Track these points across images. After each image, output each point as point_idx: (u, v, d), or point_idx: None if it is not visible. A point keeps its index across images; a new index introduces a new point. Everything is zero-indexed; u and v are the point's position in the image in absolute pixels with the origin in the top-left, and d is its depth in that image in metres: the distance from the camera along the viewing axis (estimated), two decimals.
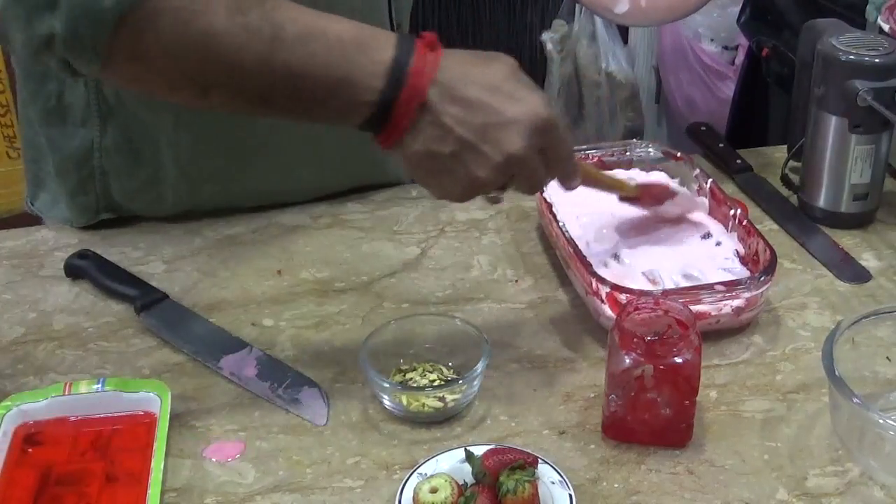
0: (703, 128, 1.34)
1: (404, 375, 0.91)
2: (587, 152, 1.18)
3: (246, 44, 0.77)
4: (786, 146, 1.25)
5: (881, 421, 0.78)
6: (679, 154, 1.17)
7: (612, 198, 1.13)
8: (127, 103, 1.08)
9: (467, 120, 0.79)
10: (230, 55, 0.78)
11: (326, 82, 0.79)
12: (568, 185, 0.91)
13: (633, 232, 1.08)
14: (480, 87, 0.80)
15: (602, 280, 0.94)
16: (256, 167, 1.15)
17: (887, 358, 0.91)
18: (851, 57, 1.08)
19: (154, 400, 0.86)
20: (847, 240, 1.13)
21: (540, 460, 0.80)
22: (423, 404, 0.87)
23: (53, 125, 1.11)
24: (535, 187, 0.86)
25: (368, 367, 0.88)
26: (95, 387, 0.87)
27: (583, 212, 1.10)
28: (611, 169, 1.17)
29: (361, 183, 1.22)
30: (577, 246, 0.99)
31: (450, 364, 0.92)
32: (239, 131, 1.11)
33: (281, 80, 0.79)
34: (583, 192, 1.12)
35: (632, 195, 1.07)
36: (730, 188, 1.22)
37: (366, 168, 1.20)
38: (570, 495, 0.78)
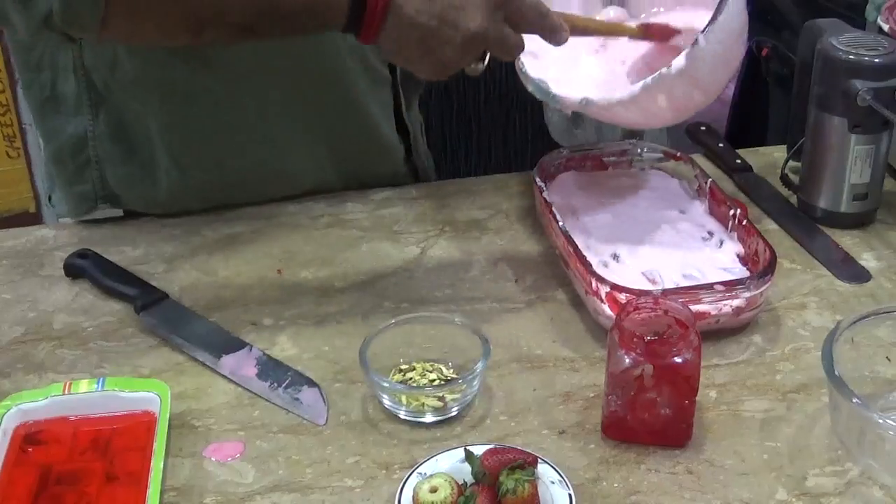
0: (703, 128, 1.34)
1: (404, 375, 0.91)
2: (587, 152, 1.18)
3: None
4: (785, 146, 1.25)
5: (881, 421, 0.79)
6: (679, 154, 1.17)
7: (611, 198, 1.13)
8: (115, 90, 1.10)
9: (426, 9, 0.88)
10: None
11: (304, 2, 0.88)
12: (552, 40, 0.96)
13: (633, 232, 1.08)
14: None
15: (602, 280, 0.94)
16: (247, 155, 1.15)
17: (887, 358, 0.91)
18: (851, 57, 1.08)
19: (154, 399, 0.86)
20: (847, 240, 1.13)
21: (539, 460, 0.80)
22: (423, 404, 0.87)
23: (48, 115, 1.13)
24: (511, 52, 0.95)
25: (368, 367, 0.88)
26: (95, 386, 0.87)
27: (583, 212, 1.10)
28: (607, 169, 1.18)
29: (357, 176, 1.22)
30: (577, 246, 0.99)
31: (450, 364, 0.92)
32: (226, 115, 1.12)
33: (266, 7, 0.88)
34: (582, 192, 1.13)
35: (636, 35, 1.09)
36: (729, 188, 1.22)
37: (359, 161, 1.20)
38: (570, 495, 0.78)
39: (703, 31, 0.95)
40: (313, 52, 1.09)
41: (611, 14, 1.14)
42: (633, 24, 1.11)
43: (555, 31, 0.95)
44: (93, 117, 1.12)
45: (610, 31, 1.10)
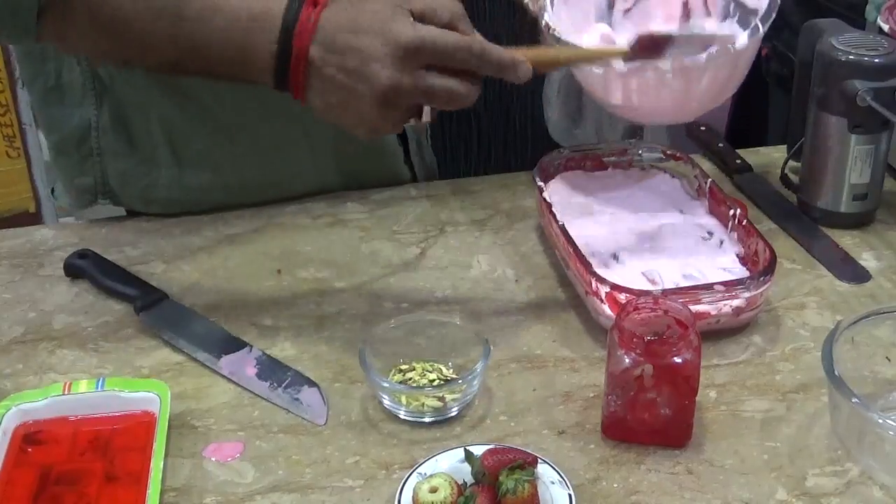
0: (703, 128, 1.34)
1: (404, 375, 0.91)
2: (587, 152, 1.18)
3: (152, 24, 0.86)
4: (785, 146, 1.25)
5: (881, 421, 0.78)
6: (679, 154, 1.17)
7: (611, 198, 1.13)
8: (119, 81, 1.10)
9: (343, 66, 0.84)
10: (138, 35, 0.87)
11: (229, 53, 0.86)
12: (509, 77, 0.88)
13: (633, 232, 1.08)
14: (350, 31, 0.84)
15: (602, 280, 0.94)
16: (247, 155, 1.15)
17: (887, 358, 0.91)
18: (851, 57, 1.08)
19: (154, 400, 0.86)
20: (847, 240, 1.13)
21: (539, 460, 0.80)
22: (423, 404, 0.87)
23: (52, 105, 1.13)
24: (454, 100, 0.86)
25: (368, 367, 0.88)
26: (95, 386, 0.87)
27: (583, 212, 1.10)
28: (607, 169, 1.17)
29: (356, 176, 1.22)
30: (576, 246, 0.99)
31: (450, 364, 0.92)
32: (227, 115, 1.12)
33: (188, 53, 0.87)
34: (582, 192, 1.13)
35: (625, 56, 0.97)
36: (729, 188, 1.22)
37: (359, 162, 1.20)
38: (570, 495, 0.78)
39: (759, 18, 0.93)
40: None
41: (599, 32, 1.07)
42: (620, 44, 1.02)
43: (505, 68, 0.87)
44: (97, 108, 1.12)
45: (590, 57, 0.99)
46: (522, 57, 0.88)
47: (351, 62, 0.84)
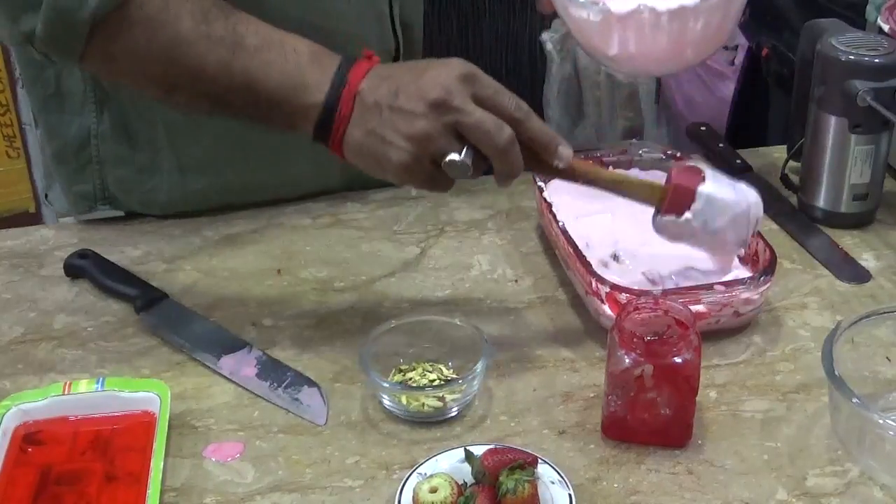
0: (703, 128, 1.34)
1: (404, 375, 0.91)
2: (587, 152, 1.18)
3: (208, 51, 0.86)
4: (785, 146, 1.25)
5: (881, 421, 0.78)
6: (679, 154, 1.17)
7: (611, 198, 1.13)
8: (122, 88, 1.09)
9: (391, 89, 0.84)
10: (193, 61, 0.87)
11: (281, 87, 0.86)
12: (548, 155, 0.88)
13: (633, 232, 1.08)
14: (405, 68, 0.88)
15: (602, 280, 0.94)
16: (249, 159, 1.15)
17: (887, 358, 0.91)
18: (851, 57, 1.08)
19: (154, 400, 0.86)
20: (847, 240, 1.13)
21: (539, 460, 0.80)
22: (423, 404, 0.87)
23: (52, 112, 1.13)
24: (492, 139, 0.84)
25: (368, 367, 0.88)
26: (95, 386, 0.87)
27: (583, 212, 1.10)
28: (607, 168, 1.17)
29: (359, 178, 1.21)
30: (577, 246, 0.99)
31: (450, 364, 0.92)
32: (229, 119, 1.12)
33: (240, 85, 0.87)
34: (581, 192, 1.13)
35: (652, 197, 0.95)
36: None
37: None
38: (570, 495, 0.78)
39: None
40: None
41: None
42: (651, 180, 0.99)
43: (547, 139, 0.87)
44: (97, 115, 1.11)
45: (630, 188, 0.95)
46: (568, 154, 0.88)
47: (396, 84, 0.84)
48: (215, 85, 0.87)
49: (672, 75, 1.35)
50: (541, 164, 0.89)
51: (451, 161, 0.84)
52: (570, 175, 0.92)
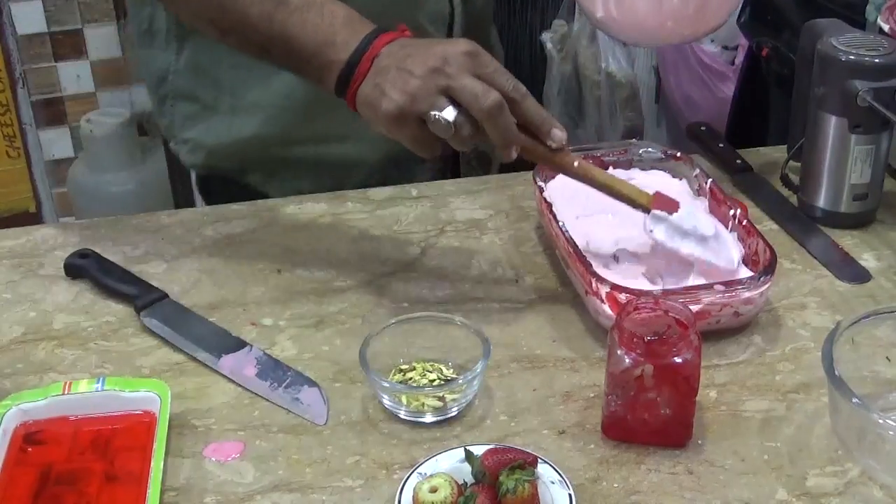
0: (703, 128, 1.34)
1: (404, 375, 0.91)
2: (587, 152, 1.18)
3: (252, 4, 0.98)
4: (786, 146, 1.25)
5: (881, 421, 0.79)
6: (679, 154, 1.17)
7: (611, 198, 1.13)
8: (196, 31, 1.16)
9: (404, 55, 0.93)
10: (239, 10, 0.98)
11: (313, 43, 0.96)
12: (542, 133, 0.94)
13: (634, 232, 1.07)
14: (423, 42, 0.96)
15: (602, 280, 0.94)
16: (297, 109, 1.19)
17: (887, 358, 0.91)
18: (851, 57, 1.08)
19: (154, 399, 0.86)
20: (847, 240, 1.13)
21: (539, 460, 0.80)
22: (423, 404, 0.87)
23: (144, 46, 1.24)
24: (479, 101, 0.90)
25: (368, 367, 0.88)
26: (95, 386, 0.87)
27: (583, 212, 1.10)
28: (607, 169, 1.17)
29: (394, 152, 1.18)
30: (577, 246, 0.99)
31: (450, 364, 0.92)
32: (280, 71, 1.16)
33: (279, 36, 0.97)
34: (582, 192, 1.13)
35: (641, 203, 0.99)
36: (730, 188, 1.22)
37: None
38: (570, 495, 0.78)
39: None
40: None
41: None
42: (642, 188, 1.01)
43: (542, 118, 0.94)
44: (176, 52, 1.20)
45: (617, 189, 0.99)
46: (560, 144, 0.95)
47: (409, 51, 0.93)
48: (258, 34, 0.98)
49: (665, 48, 1.39)
50: (536, 149, 0.95)
51: (434, 116, 0.91)
52: (565, 168, 0.97)
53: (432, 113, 0.91)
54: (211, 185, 1.29)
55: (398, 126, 0.92)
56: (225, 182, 1.27)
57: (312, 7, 0.96)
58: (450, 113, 0.91)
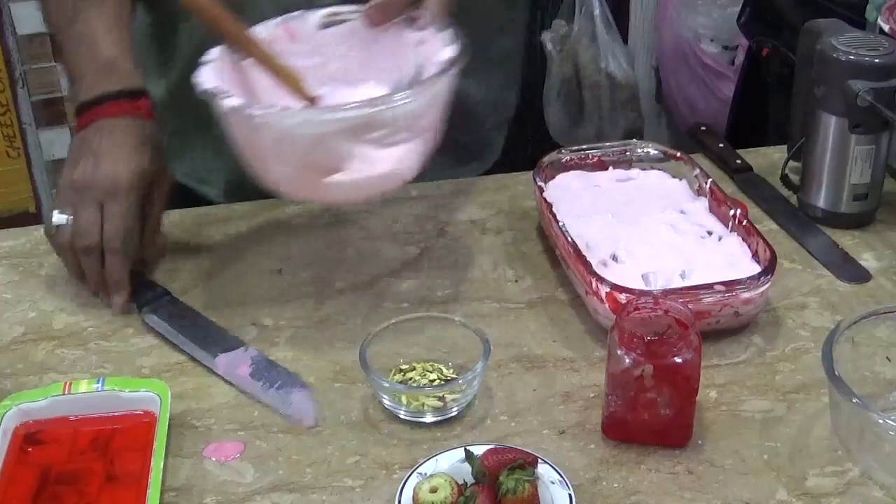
0: (703, 128, 1.34)
1: (404, 375, 0.91)
2: (587, 152, 1.18)
3: (58, 10, 1.10)
4: (786, 146, 1.25)
5: (881, 421, 0.79)
6: (679, 154, 1.17)
7: (611, 198, 1.13)
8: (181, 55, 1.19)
9: (84, 147, 1.02)
10: (49, 9, 1.12)
11: (76, 71, 1.07)
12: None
13: (633, 232, 1.08)
14: (106, 144, 1.02)
15: (602, 280, 0.94)
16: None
17: (887, 358, 0.91)
18: (851, 57, 1.08)
19: (154, 399, 0.86)
20: (847, 240, 1.13)
21: (539, 460, 0.80)
22: (423, 404, 0.87)
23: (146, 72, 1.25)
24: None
25: (368, 367, 0.88)
26: (95, 386, 0.87)
27: (583, 212, 1.10)
28: (607, 169, 1.17)
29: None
30: (576, 246, 0.99)
31: (450, 364, 0.92)
32: None
33: (63, 46, 1.09)
34: (582, 192, 1.13)
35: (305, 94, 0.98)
36: (730, 188, 1.22)
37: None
38: (570, 495, 0.78)
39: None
40: None
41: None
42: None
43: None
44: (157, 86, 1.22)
45: (280, 75, 0.98)
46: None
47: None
48: (59, 35, 1.11)
49: (665, 48, 1.27)
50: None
51: (52, 214, 1.00)
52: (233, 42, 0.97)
53: (53, 209, 1.00)
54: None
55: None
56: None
57: (84, 41, 1.06)
58: (58, 217, 1.00)
